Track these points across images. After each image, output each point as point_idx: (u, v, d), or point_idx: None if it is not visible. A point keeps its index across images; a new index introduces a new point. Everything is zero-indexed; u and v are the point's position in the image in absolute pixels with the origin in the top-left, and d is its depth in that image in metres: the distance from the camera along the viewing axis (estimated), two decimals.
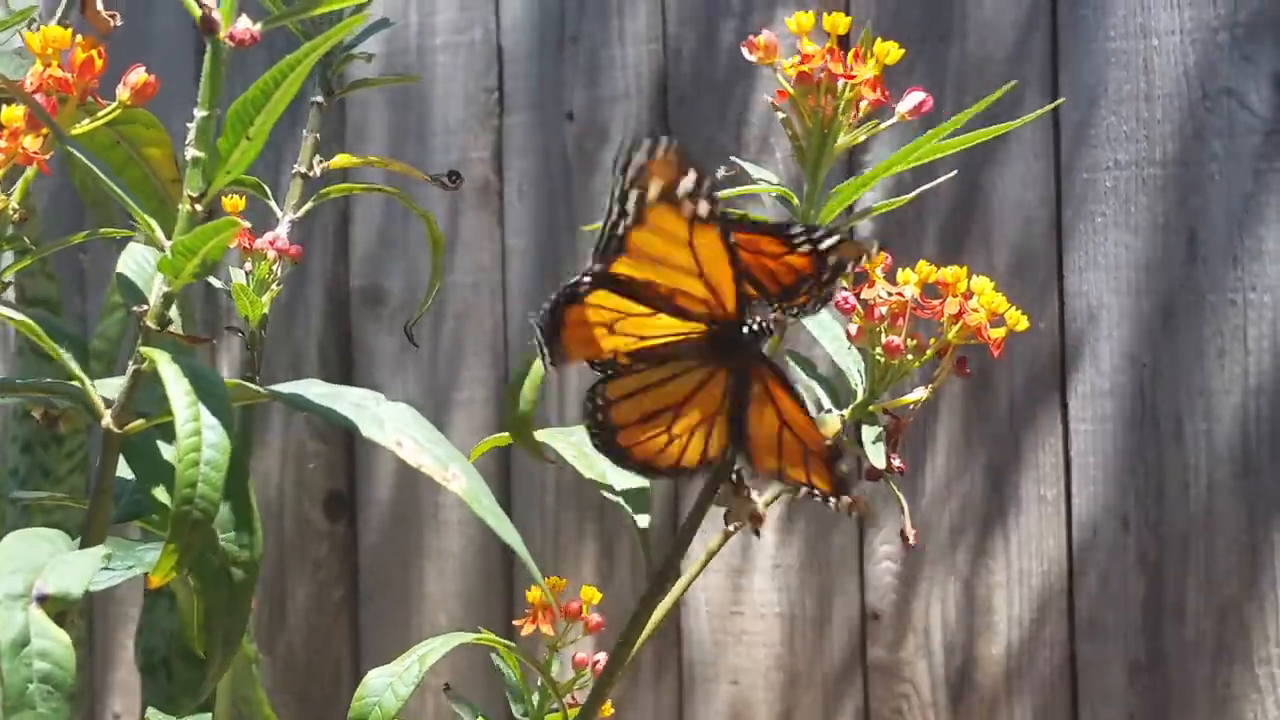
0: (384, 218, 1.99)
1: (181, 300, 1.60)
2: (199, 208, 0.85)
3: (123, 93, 0.88)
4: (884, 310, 0.99)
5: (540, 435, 1.06)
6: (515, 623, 1.13)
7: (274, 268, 1.07)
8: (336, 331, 2.01)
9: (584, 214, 1.86)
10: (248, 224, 0.84)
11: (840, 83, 0.92)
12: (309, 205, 1.12)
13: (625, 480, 0.99)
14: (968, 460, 1.67)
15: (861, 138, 0.94)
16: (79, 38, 0.87)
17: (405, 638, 1.96)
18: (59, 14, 1.11)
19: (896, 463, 1.02)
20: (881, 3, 1.70)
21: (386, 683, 0.98)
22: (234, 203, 1.05)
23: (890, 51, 0.92)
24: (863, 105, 0.94)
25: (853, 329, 1.00)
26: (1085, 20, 1.61)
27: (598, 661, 1.11)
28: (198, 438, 0.81)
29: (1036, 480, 1.64)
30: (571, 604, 1.11)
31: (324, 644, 2.04)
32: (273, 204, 1.10)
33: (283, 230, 1.10)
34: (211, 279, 1.08)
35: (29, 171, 0.87)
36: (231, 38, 0.84)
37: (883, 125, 0.93)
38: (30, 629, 0.79)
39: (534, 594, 1.11)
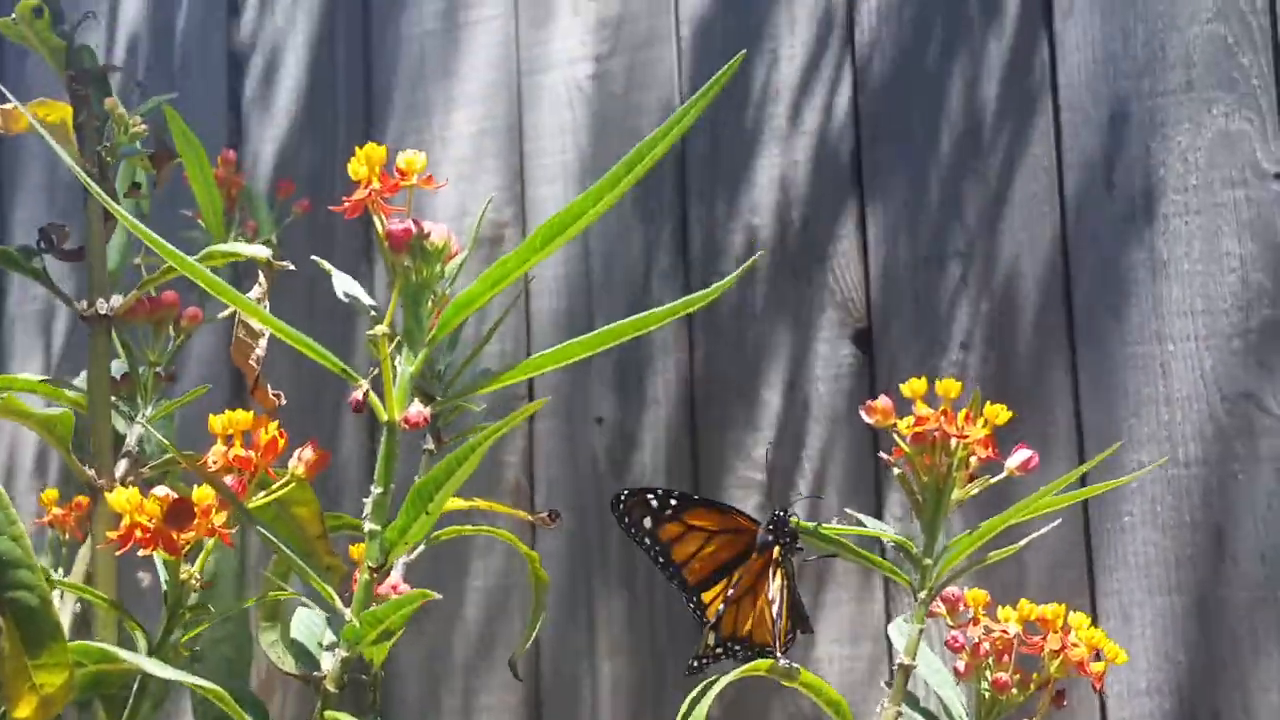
0: None
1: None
2: (377, 576, 0.95)
3: (297, 468, 0.99)
4: (988, 647, 1.10)
5: None
6: None
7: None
8: None
9: (610, 521, 1.98)
10: (437, 596, 0.94)
11: (953, 441, 1.05)
12: (421, 549, 1.22)
13: None
14: None
15: (974, 491, 1.06)
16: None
17: None
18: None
19: None
20: (893, 314, 1.85)
21: None
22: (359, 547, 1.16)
23: (1000, 414, 1.05)
24: (972, 461, 1.06)
25: (961, 666, 1.11)
26: (1101, 326, 1.75)
27: None
28: None
29: None
30: None
31: None
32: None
33: (397, 575, 1.20)
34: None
35: (209, 543, 0.97)
36: (406, 422, 0.96)
37: (993, 480, 1.06)
38: None
39: None
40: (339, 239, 2.17)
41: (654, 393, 1.98)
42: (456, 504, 1.26)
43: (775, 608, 1.11)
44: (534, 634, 1.29)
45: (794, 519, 1.13)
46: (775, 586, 1.11)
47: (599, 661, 1.98)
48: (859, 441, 1.86)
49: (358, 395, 0.96)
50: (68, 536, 1.31)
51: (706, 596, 1.16)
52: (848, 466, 1.86)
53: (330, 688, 0.96)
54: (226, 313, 1.46)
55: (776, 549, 1.13)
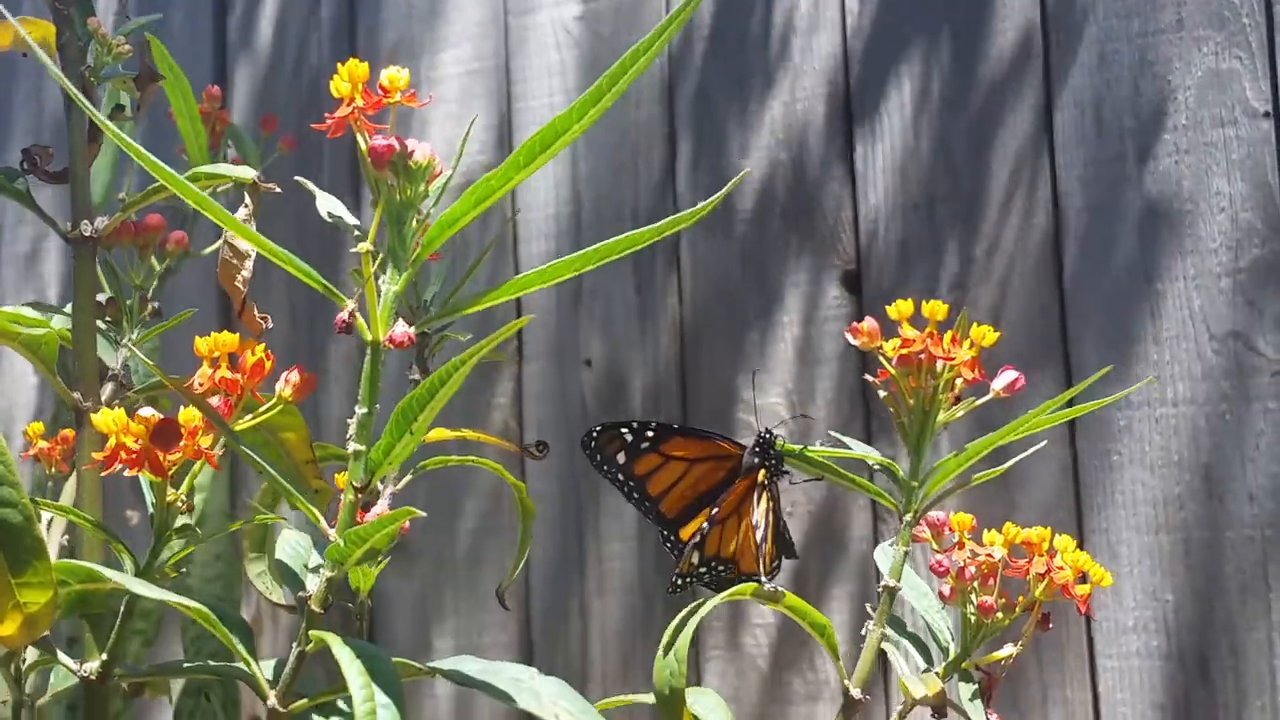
0: None
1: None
2: (361, 496, 0.95)
3: (284, 389, 0.99)
4: (973, 570, 1.10)
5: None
6: None
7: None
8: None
9: None
10: (422, 513, 0.94)
11: (939, 364, 1.05)
12: (409, 477, 1.22)
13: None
14: (999, 706, 1.76)
15: (959, 414, 1.06)
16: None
17: None
18: None
19: (994, 719, 1.12)
20: (883, 257, 1.85)
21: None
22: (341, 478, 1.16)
23: (986, 334, 1.05)
24: (958, 383, 1.06)
25: (946, 589, 1.11)
26: (1090, 267, 1.75)
27: None
28: (374, 717, 0.90)
29: (1065, 717, 1.74)
30: None
31: None
32: (379, 484, 1.20)
33: (384, 505, 1.20)
34: (314, 550, 1.18)
35: (196, 466, 0.97)
36: (391, 341, 0.96)
37: (979, 401, 1.06)
38: None
39: None
40: (327, 183, 2.17)
41: (643, 336, 1.98)
42: (443, 434, 1.26)
43: (760, 532, 1.10)
44: (521, 564, 1.30)
45: (779, 441, 1.13)
46: (760, 511, 1.11)
47: (589, 600, 1.99)
48: (847, 382, 1.86)
49: (343, 315, 0.96)
50: (54, 470, 1.31)
51: (685, 533, 1.15)
52: (836, 406, 1.87)
53: (315, 608, 0.96)
54: (212, 248, 1.46)
55: (762, 472, 1.13)
